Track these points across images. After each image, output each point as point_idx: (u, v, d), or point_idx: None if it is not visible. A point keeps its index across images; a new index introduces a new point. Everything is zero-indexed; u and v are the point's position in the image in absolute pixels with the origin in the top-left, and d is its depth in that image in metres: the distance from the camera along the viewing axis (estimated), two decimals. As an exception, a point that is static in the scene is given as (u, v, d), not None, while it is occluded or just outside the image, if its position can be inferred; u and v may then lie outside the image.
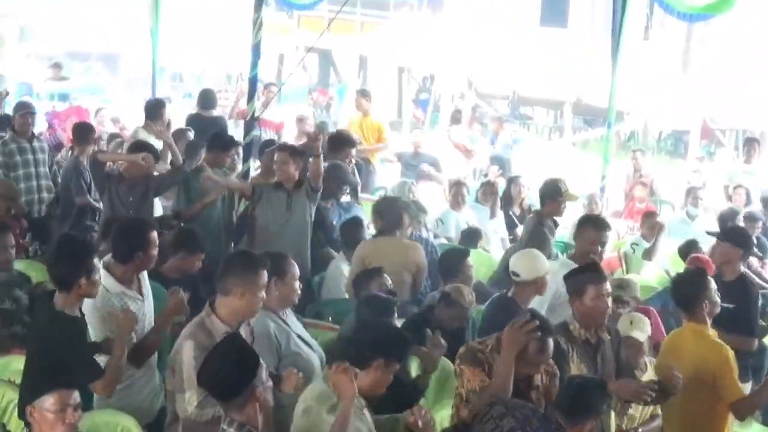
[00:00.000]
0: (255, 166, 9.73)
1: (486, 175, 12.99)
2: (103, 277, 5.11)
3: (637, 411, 5.86)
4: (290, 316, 5.49)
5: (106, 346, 5.00)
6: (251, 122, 9.76)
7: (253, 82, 9.80)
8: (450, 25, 23.20)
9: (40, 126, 11.51)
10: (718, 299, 5.66)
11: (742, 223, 9.17)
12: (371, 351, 4.41)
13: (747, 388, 6.26)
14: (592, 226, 6.81)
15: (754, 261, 8.27)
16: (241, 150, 9.39)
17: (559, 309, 6.25)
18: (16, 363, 5.51)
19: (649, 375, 5.82)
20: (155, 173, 8.13)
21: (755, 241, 8.24)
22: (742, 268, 6.80)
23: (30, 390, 4.41)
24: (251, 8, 9.64)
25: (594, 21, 24.96)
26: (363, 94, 12.98)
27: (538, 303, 6.34)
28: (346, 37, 23.85)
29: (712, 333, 5.57)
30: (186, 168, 8.44)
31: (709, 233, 7.38)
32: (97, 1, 25.81)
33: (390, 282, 6.54)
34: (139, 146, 8.26)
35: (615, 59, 11.42)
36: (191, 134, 10.53)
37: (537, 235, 7.06)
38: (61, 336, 4.73)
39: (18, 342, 5.96)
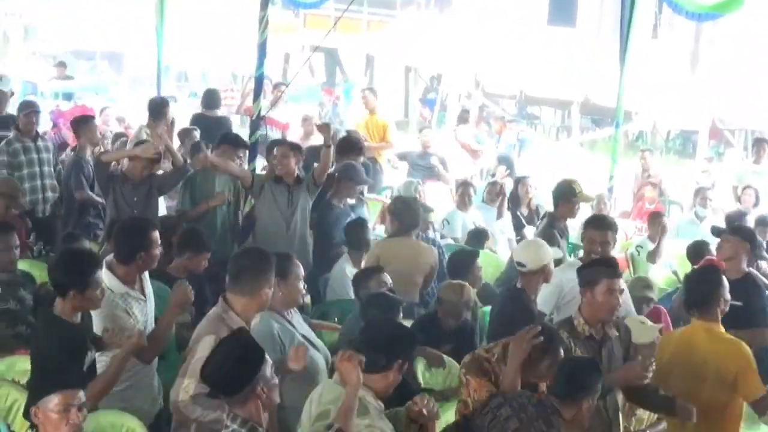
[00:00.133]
0: (261, 166, 9.69)
1: (493, 176, 12.95)
2: (106, 277, 5.08)
3: (644, 413, 5.85)
4: (296, 317, 5.45)
5: (105, 342, 4.97)
6: (257, 121, 9.75)
7: (259, 81, 9.79)
8: (457, 24, 23.18)
9: (44, 125, 11.47)
10: (729, 297, 5.62)
11: (750, 225, 9.10)
12: (394, 353, 4.30)
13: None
14: (593, 225, 6.85)
15: (763, 264, 8.21)
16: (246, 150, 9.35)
17: (564, 309, 6.27)
18: (21, 363, 5.50)
19: None
20: (158, 172, 8.10)
21: (765, 246, 8.22)
22: (747, 267, 6.76)
23: (33, 390, 4.38)
24: (257, 7, 9.61)
25: (602, 20, 24.97)
26: (370, 91, 13.04)
27: (543, 304, 6.34)
28: (353, 36, 23.85)
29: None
30: (189, 168, 8.40)
31: (714, 228, 7.32)
32: (102, 0, 25.84)
33: (390, 280, 6.51)
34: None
35: (623, 59, 11.37)
36: (197, 134, 10.49)
37: (546, 238, 7.07)
38: (53, 340, 4.74)
39: (22, 342, 5.94)
